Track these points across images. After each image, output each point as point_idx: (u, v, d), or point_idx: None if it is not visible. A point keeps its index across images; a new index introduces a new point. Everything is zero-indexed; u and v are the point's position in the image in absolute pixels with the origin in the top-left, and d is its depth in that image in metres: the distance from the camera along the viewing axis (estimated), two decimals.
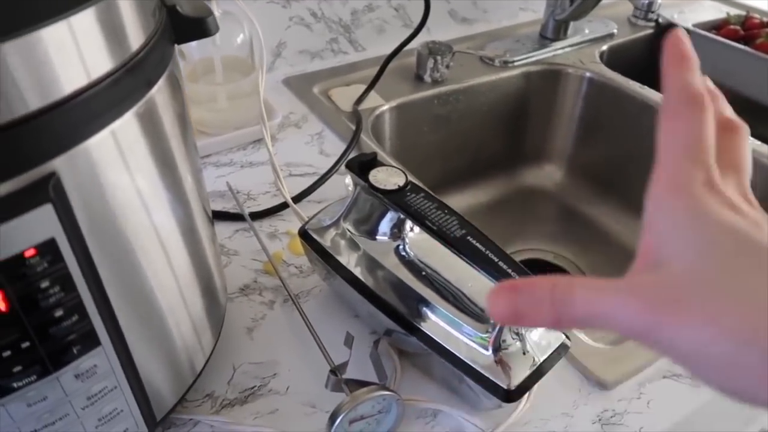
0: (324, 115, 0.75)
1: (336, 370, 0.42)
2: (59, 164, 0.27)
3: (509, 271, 0.39)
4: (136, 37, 0.30)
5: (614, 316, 0.21)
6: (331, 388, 0.42)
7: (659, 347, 0.20)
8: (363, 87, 0.79)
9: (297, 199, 0.61)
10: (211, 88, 0.68)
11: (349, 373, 0.42)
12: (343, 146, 0.69)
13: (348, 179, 0.63)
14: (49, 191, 0.25)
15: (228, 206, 0.60)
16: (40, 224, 0.25)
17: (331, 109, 0.77)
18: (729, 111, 0.25)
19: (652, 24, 1.00)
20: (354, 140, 0.69)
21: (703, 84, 0.23)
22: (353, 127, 0.72)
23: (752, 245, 0.20)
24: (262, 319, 0.50)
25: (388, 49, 0.82)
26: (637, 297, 0.20)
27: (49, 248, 0.26)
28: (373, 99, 0.79)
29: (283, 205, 0.60)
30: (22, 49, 0.24)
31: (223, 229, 0.58)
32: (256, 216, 0.59)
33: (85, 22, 0.26)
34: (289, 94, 0.80)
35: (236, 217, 0.59)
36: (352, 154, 0.67)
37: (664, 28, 0.98)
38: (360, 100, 0.77)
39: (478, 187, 0.91)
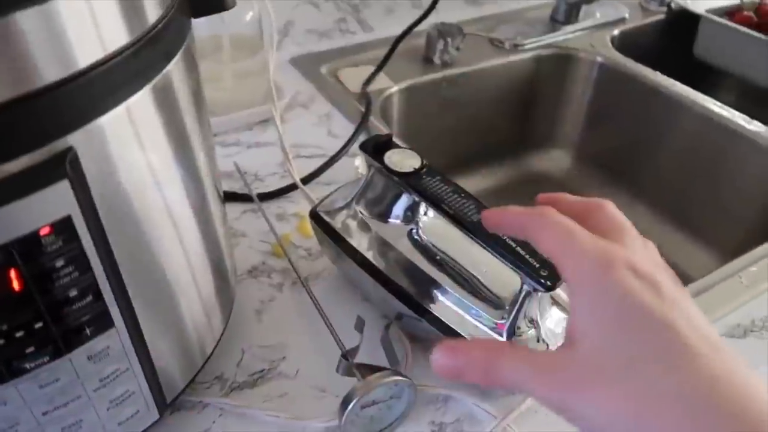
0: (332, 96, 0.74)
1: (347, 355, 0.42)
2: (75, 140, 0.26)
3: (526, 256, 0.38)
4: (153, 10, 0.29)
5: (532, 390, 0.24)
6: (343, 372, 0.41)
7: (569, 419, 0.24)
8: (371, 68, 0.78)
9: (305, 180, 0.60)
10: (217, 66, 0.67)
11: (360, 358, 0.41)
12: (351, 128, 0.68)
13: (358, 161, 0.63)
14: (66, 167, 0.24)
15: (235, 186, 0.60)
16: (56, 201, 0.25)
17: (340, 90, 0.76)
18: (580, 198, 0.31)
19: (664, 9, 0.98)
20: (363, 122, 0.68)
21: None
22: (362, 109, 0.71)
23: (653, 322, 0.22)
24: (271, 302, 0.49)
25: (397, 30, 0.81)
26: (550, 375, 0.23)
27: (64, 226, 0.25)
28: (382, 80, 0.78)
29: (292, 187, 0.59)
30: (37, 19, 0.23)
31: (231, 210, 0.57)
32: (264, 197, 0.58)
33: None
34: (297, 74, 0.79)
35: (243, 198, 0.58)
36: (361, 137, 0.66)
37: (676, 14, 0.97)
38: (369, 81, 0.76)
39: (486, 172, 0.90)
